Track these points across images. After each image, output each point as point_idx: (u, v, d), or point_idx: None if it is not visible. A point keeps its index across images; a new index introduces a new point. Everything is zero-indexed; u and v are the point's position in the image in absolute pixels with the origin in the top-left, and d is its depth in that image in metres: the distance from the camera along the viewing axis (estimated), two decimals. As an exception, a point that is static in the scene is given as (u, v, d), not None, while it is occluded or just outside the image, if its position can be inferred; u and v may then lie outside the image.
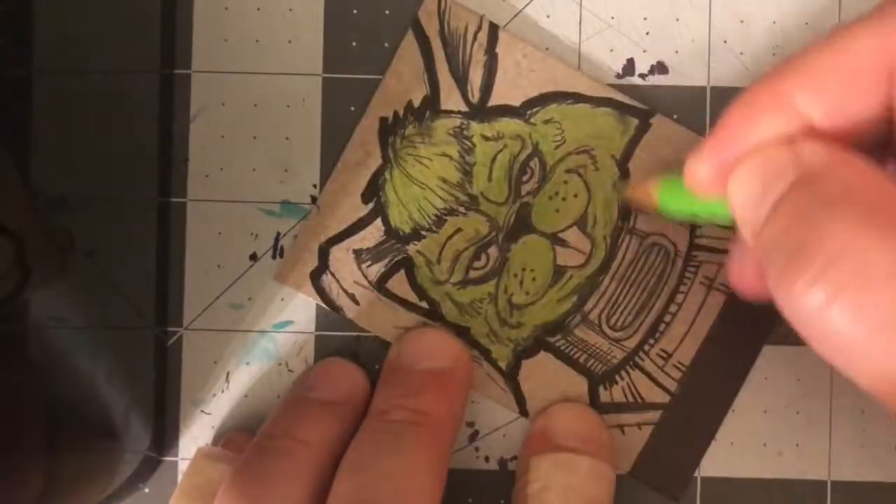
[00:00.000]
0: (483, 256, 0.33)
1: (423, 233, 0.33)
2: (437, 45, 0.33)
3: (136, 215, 0.33)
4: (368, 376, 0.33)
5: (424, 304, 0.33)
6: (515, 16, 0.34)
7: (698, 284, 0.33)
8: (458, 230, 0.33)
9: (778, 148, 0.25)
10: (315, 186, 0.34)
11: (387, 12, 0.34)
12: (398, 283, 0.33)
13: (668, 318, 0.33)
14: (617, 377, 0.33)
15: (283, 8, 0.34)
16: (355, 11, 0.34)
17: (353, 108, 0.34)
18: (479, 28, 0.33)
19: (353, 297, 0.33)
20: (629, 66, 0.34)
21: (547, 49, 0.33)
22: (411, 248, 0.33)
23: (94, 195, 0.30)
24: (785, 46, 0.33)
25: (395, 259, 0.33)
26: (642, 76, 0.34)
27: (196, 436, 0.34)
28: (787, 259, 0.23)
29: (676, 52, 0.33)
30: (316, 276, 0.33)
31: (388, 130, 0.33)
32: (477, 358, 0.33)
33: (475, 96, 0.33)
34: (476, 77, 0.33)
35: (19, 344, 0.27)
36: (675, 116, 0.33)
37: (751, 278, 0.29)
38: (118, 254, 0.31)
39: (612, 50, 0.34)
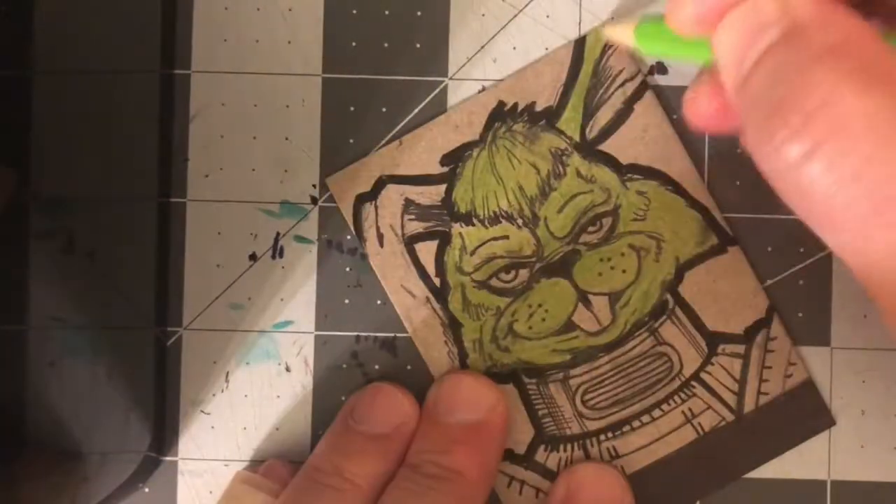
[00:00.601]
0: (512, 272, 0.33)
1: (475, 221, 0.33)
2: (587, 70, 0.33)
3: (136, 215, 0.33)
4: (418, 404, 0.32)
5: (437, 282, 0.33)
6: (515, 16, 0.34)
7: (679, 412, 0.33)
8: (506, 237, 0.33)
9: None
10: (314, 186, 0.34)
11: (386, 12, 0.34)
12: (425, 250, 0.33)
13: (636, 423, 0.33)
14: (561, 446, 0.33)
15: (283, 8, 0.34)
16: (355, 11, 0.34)
17: (352, 108, 0.34)
18: (631, 79, 0.33)
19: (380, 238, 0.33)
20: (629, 67, 0.34)
21: (547, 49, 0.33)
22: (455, 228, 0.33)
23: (94, 195, 0.30)
24: (784, 46, 0.33)
25: (436, 228, 0.33)
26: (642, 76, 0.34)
27: (195, 436, 0.34)
28: (768, 113, 0.22)
29: (676, 52, 0.33)
30: (360, 200, 0.33)
31: (500, 116, 0.33)
32: (450, 353, 0.33)
33: (592, 133, 0.33)
34: (603, 117, 0.33)
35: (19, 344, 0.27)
36: (674, 116, 0.33)
37: (706, 109, 0.27)
38: (118, 254, 0.31)
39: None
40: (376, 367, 0.34)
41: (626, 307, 0.33)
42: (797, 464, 0.33)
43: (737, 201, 0.33)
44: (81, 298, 0.30)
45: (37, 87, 0.27)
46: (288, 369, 0.34)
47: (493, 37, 0.34)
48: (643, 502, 0.33)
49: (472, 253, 0.33)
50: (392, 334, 0.34)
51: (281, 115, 0.34)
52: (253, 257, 0.34)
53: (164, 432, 0.34)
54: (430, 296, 0.33)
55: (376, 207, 0.33)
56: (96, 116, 0.30)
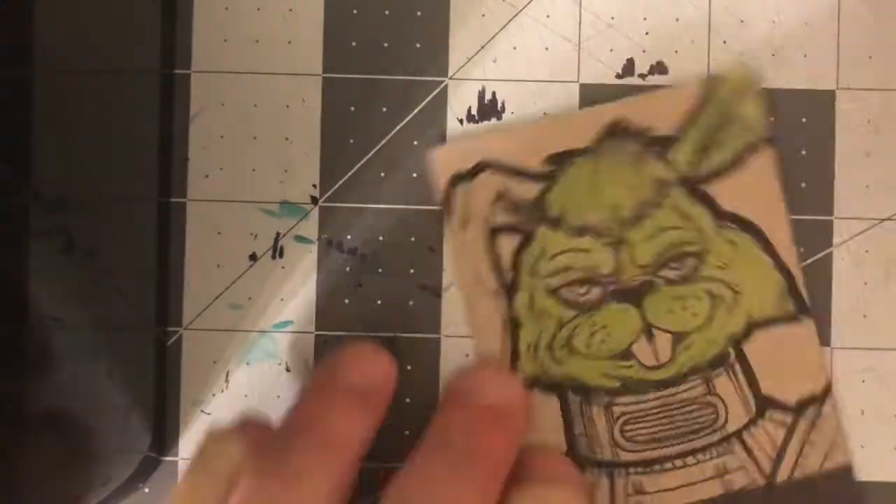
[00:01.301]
0: (585, 287, 0.33)
1: (562, 227, 0.33)
2: (715, 110, 0.33)
3: (136, 215, 0.33)
4: (397, 365, 0.32)
5: (508, 278, 0.33)
6: (516, 16, 0.34)
7: (713, 465, 0.33)
8: (587, 251, 0.33)
9: None
10: (315, 186, 0.34)
11: (386, 12, 0.34)
12: (504, 245, 0.33)
13: (668, 465, 0.33)
14: (589, 469, 0.33)
15: (283, 8, 0.34)
16: (355, 11, 0.34)
17: (352, 109, 0.34)
18: (755, 128, 0.32)
19: (466, 220, 0.33)
20: (629, 67, 0.34)
21: (547, 49, 0.33)
22: (541, 230, 0.33)
23: (94, 195, 0.30)
24: (785, 47, 0.33)
25: (522, 225, 0.33)
26: (642, 76, 0.34)
27: (196, 436, 0.34)
28: None
29: (676, 52, 0.33)
30: (456, 180, 0.33)
31: (617, 132, 0.33)
32: (504, 351, 0.33)
33: (700, 173, 0.33)
34: (716, 160, 0.33)
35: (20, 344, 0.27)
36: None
37: None
38: (118, 254, 0.31)
39: (611, 50, 0.34)
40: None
41: (687, 350, 0.33)
42: (797, 464, 0.33)
43: (737, 201, 0.33)
44: (81, 298, 0.30)
45: (37, 86, 0.27)
46: (288, 369, 0.34)
47: (493, 37, 0.34)
48: None
49: (551, 259, 0.33)
50: (392, 334, 0.34)
51: (281, 115, 0.34)
52: (253, 257, 0.34)
53: (164, 432, 0.34)
54: (500, 289, 0.33)
55: (469, 190, 0.33)
56: (96, 116, 0.30)
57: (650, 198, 0.33)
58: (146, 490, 0.34)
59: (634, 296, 0.33)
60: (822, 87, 0.33)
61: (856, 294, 0.33)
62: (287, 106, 0.34)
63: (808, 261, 0.33)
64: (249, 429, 0.31)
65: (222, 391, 0.34)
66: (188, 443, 0.34)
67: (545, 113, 0.33)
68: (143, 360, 0.33)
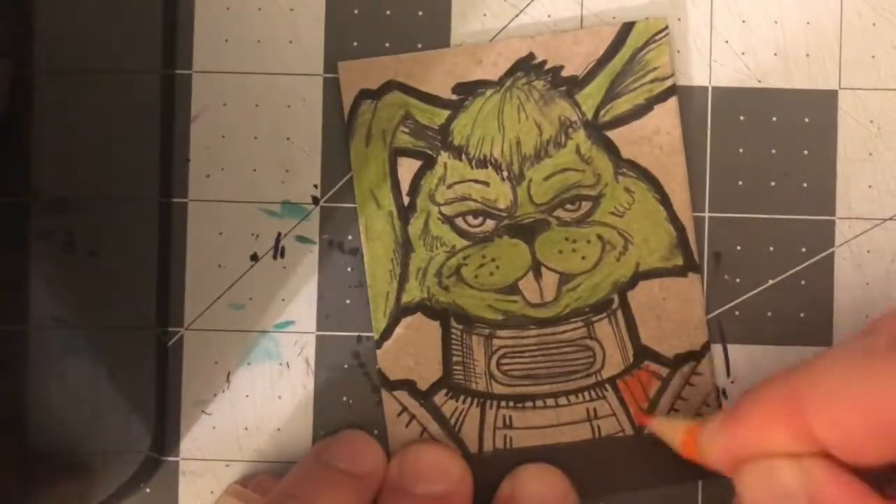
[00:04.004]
0: (480, 219, 0.33)
1: (463, 157, 0.33)
2: (624, 55, 0.33)
3: (137, 215, 0.33)
4: (387, 455, 0.33)
5: (406, 199, 0.33)
6: (517, 15, 0.34)
7: (584, 408, 0.33)
8: (486, 184, 0.33)
9: (788, 465, 0.26)
10: (316, 186, 0.34)
11: (388, 12, 0.34)
12: (405, 167, 0.33)
13: (539, 403, 0.33)
14: (462, 397, 0.33)
15: (284, 8, 0.34)
16: (356, 11, 0.34)
17: (354, 109, 0.34)
18: (662, 79, 0.33)
19: (369, 136, 0.33)
20: (630, 66, 0.34)
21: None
22: (443, 156, 0.33)
23: (95, 195, 0.30)
24: (787, 47, 0.33)
25: (425, 150, 0.33)
26: (643, 76, 0.34)
27: (197, 436, 0.34)
28: None
29: (678, 51, 0.33)
30: (362, 96, 0.33)
31: (526, 67, 0.33)
32: (392, 271, 0.33)
33: (605, 116, 0.33)
34: (622, 106, 0.33)
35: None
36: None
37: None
38: (119, 254, 0.31)
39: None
40: (377, 367, 0.34)
41: (572, 291, 0.33)
42: (799, 464, 0.33)
43: (738, 201, 0.33)
44: (82, 298, 0.30)
45: (38, 86, 0.27)
46: (289, 369, 0.34)
47: (494, 37, 0.34)
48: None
49: (450, 187, 0.33)
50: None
51: (282, 115, 0.34)
52: (254, 257, 0.34)
53: (165, 432, 0.34)
54: (395, 211, 0.33)
55: (375, 108, 0.33)
56: (97, 116, 0.30)
57: (553, 137, 0.33)
58: (147, 490, 0.34)
59: (527, 233, 0.33)
60: (825, 87, 0.33)
61: (857, 294, 0.33)
62: (288, 106, 0.34)
63: (810, 261, 0.33)
64: (263, 487, 0.32)
65: (223, 391, 0.34)
66: (189, 443, 0.34)
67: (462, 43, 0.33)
68: (144, 360, 0.33)
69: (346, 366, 0.34)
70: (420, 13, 0.34)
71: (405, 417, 0.33)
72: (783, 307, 0.33)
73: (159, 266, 0.33)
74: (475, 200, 0.33)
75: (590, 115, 0.33)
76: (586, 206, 0.33)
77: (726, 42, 0.33)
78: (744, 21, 0.33)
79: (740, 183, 0.33)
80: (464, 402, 0.33)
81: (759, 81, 0.33)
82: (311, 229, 0.34)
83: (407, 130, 0.33)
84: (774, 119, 0.33)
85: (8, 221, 0.26)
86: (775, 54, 0.33)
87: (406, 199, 0.33)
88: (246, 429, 0.34)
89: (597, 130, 0.33)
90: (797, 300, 0.33)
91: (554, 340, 0.33)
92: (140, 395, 0.33)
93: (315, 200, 0.34)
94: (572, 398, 0.33)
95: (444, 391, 0.33)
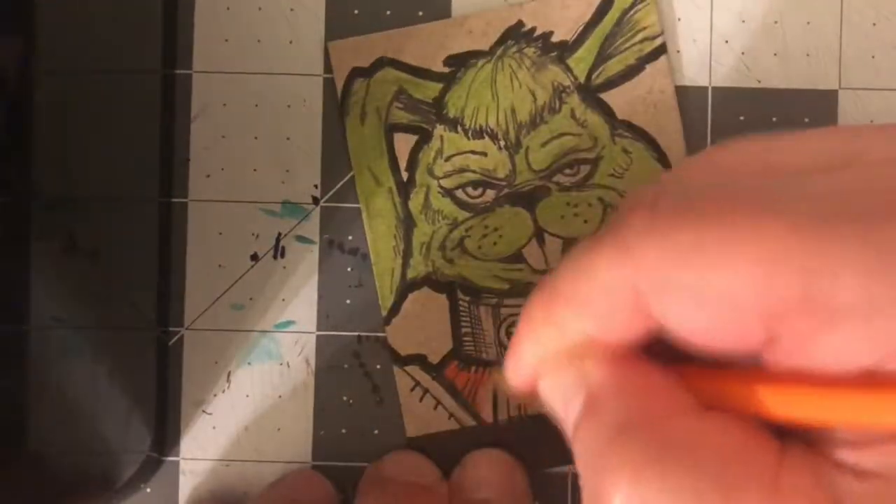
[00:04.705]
0: (480, 189, 0.33)
1: (459, 129, 0.33)
2: (613, 16, 0.33)
3: (138, 215, 0.33)
4: (341, 496, 0.33)
5: (405, 174, 0.33)
6: (516, 16, 0.34)
7: None
8: (484, 154, 0.33)
9: (566, 364, 0.24)
10: (316, 186, 0.34)
11: (388, 13, 0.34)
12: (402, 142, 0.33)
13: None
14: (473, 368, 0.33)
15: (284, 8, 0.34)
16: (356, 12, 0.34)
17: (354, 109, 0.34)
18: (652, 38, 0.33)
19: (363, 115, 0.33)
20: (630, 66, 0.34)
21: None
22: (438, 129, 0.33)
23: (95, 195, 0.30)
24: (787, 47, 0.33)
25: (420, 124, 0.33)
26: (644, 76, 0.34)
27: (197, 436, 0.34)
28: (588, 497, 0.22)
29: (678, 52, 0.33)
30: (354, 74, 0.33)
31: (516, 35, 0.33)
32: (396, 247, 0.33)
33: (598, 79, 0.33)
34: (613, 67, 0.33)
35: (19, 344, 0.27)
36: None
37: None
38: (119, 254, 0.31)
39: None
40: (378, 366, 0.34)
41: None
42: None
43: (739, 201, 0.33)
44: (83, 298, 0.30)
45: (38, 86, 0.27)
46: (289, 369, 0.34)
47: (494, 37, 0.34)
48: (536, 446, 0.33)
49: (448, 159, 0.33)
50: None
51: (282, 115, 0.34)
52: (254, 257, 0.34)
53: (165, 432, 0.34)
54: (394, 187, 0.33)
55: (368, 85, 0.33)
56: (97, 116, 0.30)
57: (547, 102, 0.33)
58: (147, 490, 0.34)
59: (528, 200, 0.33)
60: (825, 87, 0.33)
61: (858, 294, 0.33)
62: (288, 106, 0.34)
63: (810, 261, 0.33)
64: None
65: (224, 391, 0.34)
66: (189, 443, 0.34)
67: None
68: (144, 360, 0.33)
69: (346, 366, 0.34)
70: (420, 13, 0.34)
71: (418, 392, 0.33)
72: (783, 307, 0.33)
73: (159, 266, 0.33)
74: (474, 171, 0.33)
75: (582, 79, 0.33)
76: (585, 169, 0.33)
77: (726, 42, 0.33)
78: (744, 21, 0.33)
79: (740, 183, 0.33)
80: (476, 372, 0.33)
81: (759, 81, 0.33)
82: (312, 229, 0.34)
83: (401, 106, 0.33)
84: (774, 119, 0.33)
85: (8, 221, 0.26)
86: (775, 54, 0.33)
87: (405, 175, 0.33)
88: (246, 429, 0.34)
89: (590, 93, 0.33)
90: (797, 300, 0.33)
91: None
92: (140, 394, 0.33)
93: (315, 200, 0.34)
94: None
95: (456, 363, 0.33)
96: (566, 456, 0.32)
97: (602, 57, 0.33)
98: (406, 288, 0.33)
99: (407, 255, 0.33)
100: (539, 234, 0.33)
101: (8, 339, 0.26)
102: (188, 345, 0.34)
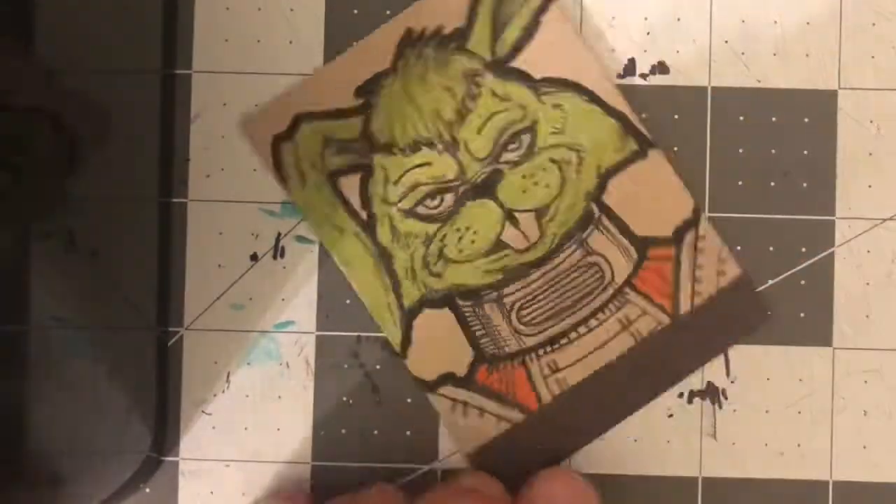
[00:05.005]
0: (438, 198, 0.33)
1: (395, 150, 0.33)
2: None
3: (138, 215, 0.33)
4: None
5: (364, 215, 0.33)
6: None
7: (615, 320, 0.33)
8: (428, 164, 0.33)
9: None
10: (316, 186, 0.34)
11: (388, 12, 0.34)
12: (349, 184, 0.33)
13: (573, 336, 0.33)
14: (502, 365, 0.33)
15: (284, 8, 0.34)
16: (356, 12, 0.34)
17: (354, 109, 0.34)
18: None
19: (302, 176, 0.33)
20: (630, 67, 0.34)
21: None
22: (376, 159, 0.33)
23: (96, 195, 0.30)
24: (787, 47, 0.33)
25: (358, 162, 0.33)
26: (643, 76, 0.34)
27: (197, 436, 0.34)
28: None
29: (677, 52, 0.33)
30: (278, 140, 0.33)
31: (410, 43, 0.33)
32: (383, 284, 0.33)
33: (502, 51, 0.33)
34: (511, 34, 0.33)
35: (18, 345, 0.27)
36: (675, 117, 0.33)
37: None
38: (119, 254, 0.31)
39: (613, 50, 0.34)
40: (377, 367, 0.34)
41: (552, 221, 0.33)
42: (799, 464, 0.33)
43: (738, 201, 0.33)
44: (83, 298, 0.30)
45: (38, 86, 0.27)
46: (289, 369, 0.34)
47: (494, 37, 0.34)
48: (587, 414, 0.33)
49: (396, 182, 0.33)
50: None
51: (282, 115, 0.34)
52: (254, 257, 0.34)
53: (165, 433, 0.34)
54: (359, 230, 0.33)
55: (295, 147, 0.33)
56: (97, 116, 0.30)
57: (466, 92, 0.33)
58: (147, 490, 0.34)
59: (486, 189, 0.33)
60: (824, 87, 0.33)
61: (858, 294, 0.33)
62: (288, 106, 0.34)
63: (810, 261, 0.33)
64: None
65: (223, 391, 0.34)
66: (189, 443, 0.34)
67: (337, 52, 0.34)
68: (144, 360, 0.33)
69: (346, 366, 0.34)
70: (420, 13, 0.34)
71: (459, 408, 0.33)
72: (783, 307, 0.33)
73: (159, 266, 0.33)
74: (425, 184, 0.33)
75: (488, 56, 0.33)
76: (526, 139, 0.33)
77: (726, 42, 0.33)
78: (744, 21, 0.33)
79: (740, 183, 0.33)
80: (505, 367, 0.33)
81: (759, 81, 0.33)
82: (311, 229, 0.34)
83: (333, 152, 0.33)
84: (774, 119, 0.33)
85: (8, 221, 0.26)
86: (775, 54, 0.33)
87: (363, 214, 0.33)
88: (246, 429, 0.34)
89: (500, 66, 0.33)
90: (797, 300, 0.33)
91: (558, 273, 0.33)
92: (140, 395, 0.33)
93: (315, 200, 0.34)
94: (600, 316, 0.33)
95: (484, 367, 0.33)
96: (613, 420, 0.33)
97: (498, 28, 0.33)
98: (408, 317, 0.33)
99: (396, 286, 0.33)
100: (510, 216, 0.33)
101: (8, 339, 0.26)
102: (188, 345, 0.34)
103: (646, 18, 0.34)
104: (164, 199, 0.34)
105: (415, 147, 0.33)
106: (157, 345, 0.33)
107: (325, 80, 0.33)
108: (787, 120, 0.33)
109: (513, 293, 0.33)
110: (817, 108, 0.33)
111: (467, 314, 0.33)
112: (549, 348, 0.33)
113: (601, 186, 0.33)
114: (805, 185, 0.33)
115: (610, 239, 0.33)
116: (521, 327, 0.33)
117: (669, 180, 0.33)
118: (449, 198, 0.33)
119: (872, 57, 0.33)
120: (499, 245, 0.33)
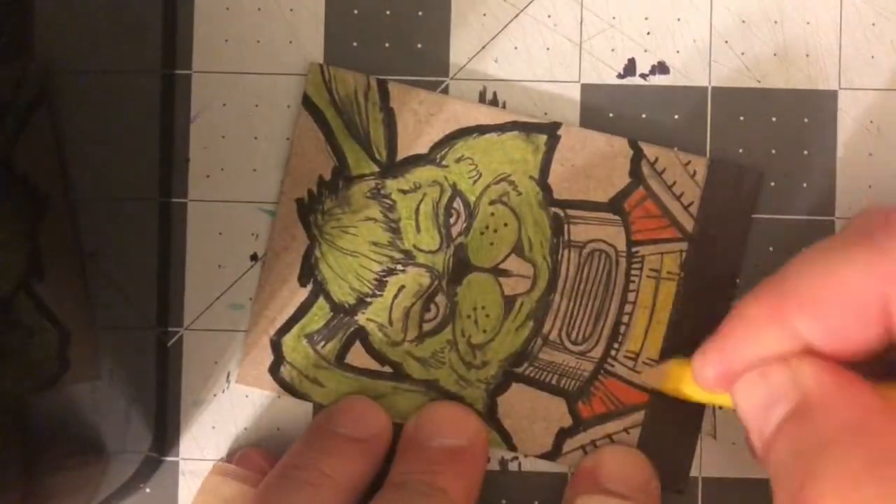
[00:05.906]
0: (432, 307, 0.33)
1: (369, 299, 0.33)
2: (331, 114, 0.33)
3: (137, 216, 0.33)
4: (391, 419, 0.33)
5: (388, 369, 0.33)
6: (516, 16, 0.34)
7: (646, 278, 0.33)
8: (402, 288, 0.33)
9: (777, 368, 0.25)
10: (316, 186, 0.34)
11: (387, 12, 0.34)
12: (357, 355, 0.33)
13: (625, 318, 0.33)
14: (592, 389, 0.33)
15: (284, 8, 0.34)
16: (356, 11, 0.34)
17: (354, 109, 0.34)
18: (368, 87, 0.33)
19: (316, 381, 0.33)
20: (630, 67, 0.34)
21: (548, 49, 0.33)
22: (361, 318, 0.33)
23: (95, 195, 0.30)
24: (787, 47, 0.33)
25: (348, 332, 0.33)
26: (643, 76, 0.34)
27: (197, 436, 0.34)
28: (791, 495, 0.23)
29: (678, 52, 0.33)
30: (275, 371, 0.33)
31: (307, 210, 0.33)
32: (458, 381, 0.33)
33: (382, 155, 0.33)
34: (378, 136, 0.33)
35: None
36: (675, 117, 0.33)
37: (711, 376, 0.28)
38: (119, 254, 0.31)
39: (613, 50, 0.34)
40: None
41: (532, 248, 0.33)
42: (799, 464, 0.33)
43: (738, 201, 0.33)
44: (83, 298, 0.30)
45: (38, 87, 0.27)
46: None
47: (494, 36, 0.34)
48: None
49: (390, 323, 0.33)
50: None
51: (282, 115, 0.34)
52: (254, 257, 0.34)
53: (165, 432, 0.34)
54: (396, 384, 0.33)
55: (290, 364, 0.33)
56: (97, 116, 0.30)
57: (382, 210, 0.33)
58: (147, 490, 0.34)
59: (461, 268, 0.33)
60: (824, 88, 0.33)
61: (858, 294, 0.33)
62: (288, 106, 0.34)
63: (810, 261, 0.33)
64: (250, 462, 0.32)
65: (223, 391, 0.34)
66: (189, 443, 0.34)
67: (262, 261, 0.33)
68: (144, 360, 0.33)
69: (345, 366, 0.34)
70: (420, 13, 0.34)
71: (590, 450, 0.33)
72: (783, 307, 0.33)
73: (159, 266, 0.33)
74: (413, 304, 0.33)
75: (376, 168, 0.33)
76: (458, 204, 0.33)
77: (726, 42, 0.33)
78: (744, 21, 0.33)
79: (740, 183, 0.33)
80: (595, 388, 0.33)
81: (759, 81, 0.33)
82: (311, 229, 0.34)
83: (322, 343, 0.33)
84: (774, 119, 0.33)
85: (8, 221, 0.26)
86: (775, 54, 0.33)
87: (387, 369, 0.33)
88: (246, 429, 0.34)
89: (392, 166, 0.33)
90: (797, 300, 0.33)
91: (571, 282, 0.33)
92: (140, 394, 0.33)
93: (315, 200, 0.34)
94: (632, 286, 0.33)
95: (580, 404, 0.33)
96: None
97: (364, 141, 0.33)
98: (490, 415, 0.33)
99: (462, 401, 0.33)
100: (498, 272, 0.33)
101: (9, 339, 0.26)
102: (187, 345, 0.34)
103: (646, 18, 0.33)
104: (165, 199, 0.34)
105: (381, 284, 0.33)
106: (157, 345, 0.33)
107: (270, 293, 0.33)
108: (788, 120, 0.33)
109: (552, 328, 0.33)
110: (817, 109, 0.33)
111: (532, 374, 0.33)
112: (616, 344, 0.33)
113: (545, 189, 0.33)
114: (805, 185, 0.33)
115: (587, 222, 0.33)
116: (581, 347, 0.33)
117: (593, 138, 0.33)
118: (440, 299, 0.33)
119: (872, 57, 0.33)
120: (509, 301, 0.33)
